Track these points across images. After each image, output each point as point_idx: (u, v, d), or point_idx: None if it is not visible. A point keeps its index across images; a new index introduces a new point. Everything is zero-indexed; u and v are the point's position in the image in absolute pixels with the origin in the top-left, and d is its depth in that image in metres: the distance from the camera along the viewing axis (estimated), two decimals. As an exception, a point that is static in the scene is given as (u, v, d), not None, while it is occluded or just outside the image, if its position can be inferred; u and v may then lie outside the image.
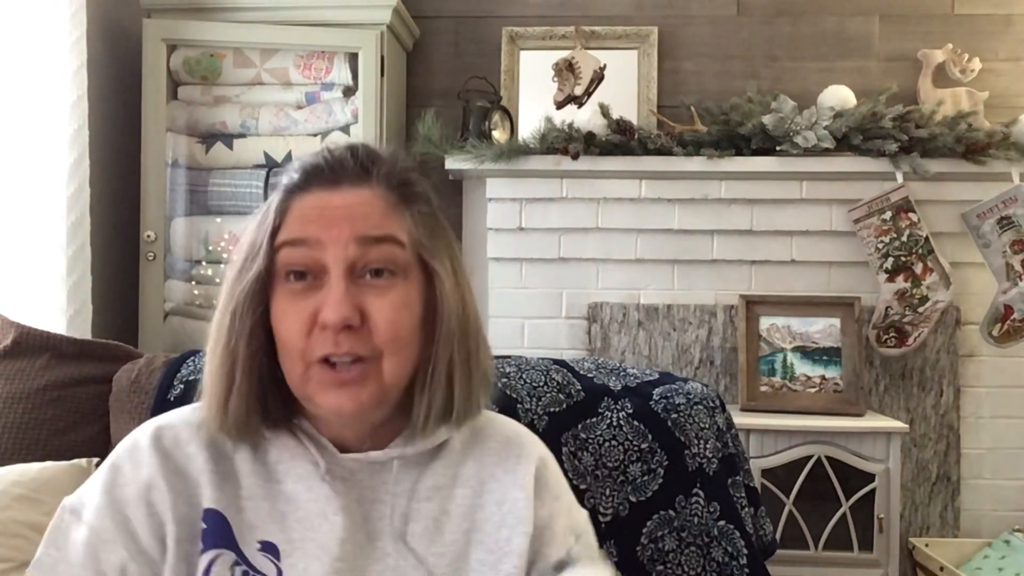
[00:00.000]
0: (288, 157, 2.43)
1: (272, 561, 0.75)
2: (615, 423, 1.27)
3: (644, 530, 1.24)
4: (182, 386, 1.28)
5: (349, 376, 0.73)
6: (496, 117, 2.52)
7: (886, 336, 2.37)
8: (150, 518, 0.75)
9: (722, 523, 1.24)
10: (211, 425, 0.77)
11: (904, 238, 2.35)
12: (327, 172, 0.77)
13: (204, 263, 2.43)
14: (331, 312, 0.72)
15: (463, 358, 0.78)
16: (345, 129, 2.44)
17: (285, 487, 0.78)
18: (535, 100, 2.62)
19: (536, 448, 0.87)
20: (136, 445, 0.79)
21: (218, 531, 0.75)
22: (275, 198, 0.78)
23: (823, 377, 2.33)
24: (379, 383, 0.75)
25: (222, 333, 0.75)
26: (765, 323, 2.38)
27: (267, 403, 0.77)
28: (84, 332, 2.04)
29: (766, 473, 2.13)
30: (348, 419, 0.77)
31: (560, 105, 2.58)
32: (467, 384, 0.79)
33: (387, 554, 0.78)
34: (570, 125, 2.39)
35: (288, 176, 0.79)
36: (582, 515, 0.90)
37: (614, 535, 1.23)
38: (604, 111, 2.43)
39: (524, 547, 0.80)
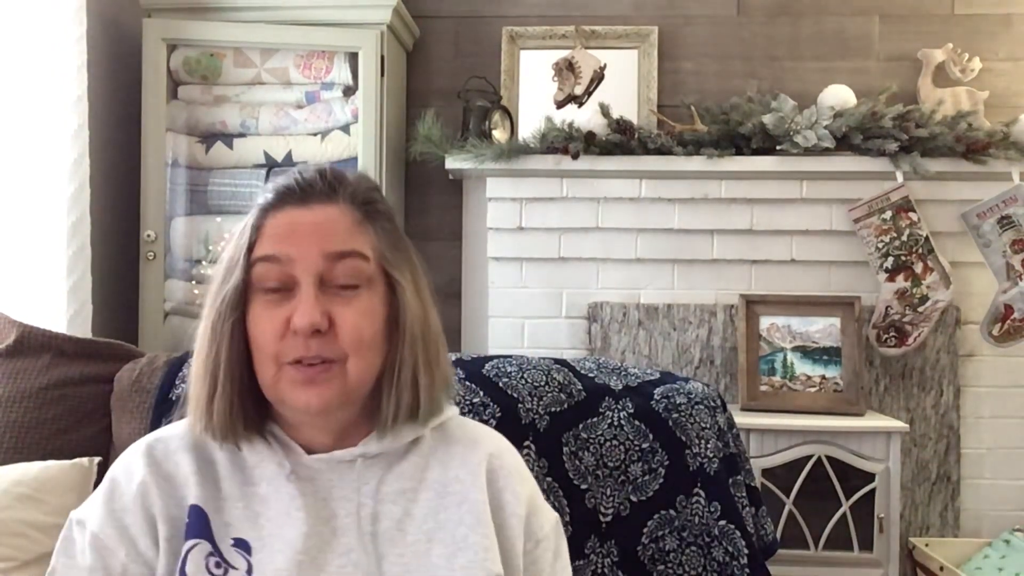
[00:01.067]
0: (288, 157, 2.43)
1: (244, 556, 0.81)
2: (616, 423, 1.27)
3: (645, 530, 1.24)
4: (184, 385, 1.28)
5: (316, 373, 0.80)
6: (496, 117, 2.52)
7: (886, 336, 2.37)
8: (146, 522, 0.82)
9: (723, 523, 1.25)
10: (196, 426, 0.84)
11: (904, 237, 2.35)
12: (297, 192, 0.84)
13: (204, 263, 2.43)
14: (301, 318, 0.79)
15: (426, 361, 0.86)
16: (345, 129, 2.44)
17: (259, 489, 0.84)
18: (535, 100, 2.62)
19: (499, 452, 0.92)
20: (130, 459, 0.86)
21: (198, 524, 0.81)
22: (251, 217, 0.85)
23: (823, 377, 2.34)
24: (344, 382, 0.81)
25: (205, 341, 0.83)
26: (765, 323, 2.38)
27: (246, 407, 0.83)
28: (84, 332, 2.04)
29: (766, 473, 2.13)
30: (316, 417, 0.83)
31: (560, 105, 2.58)
32: (431, 384, 0.86)
33: (351, 549, 0.82)
34: (570, 125, 2.40)
35: (263, 196, 0.86)
36: (549, 521, 0.92)
37: (615, 535, 1.24)
38: (604, 111, 2.43)
39: (483, 545, 0.84)
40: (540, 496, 0.94)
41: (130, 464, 0.86)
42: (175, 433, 0.88)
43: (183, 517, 0.82)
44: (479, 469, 0.88)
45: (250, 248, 0.83)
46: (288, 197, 0.84)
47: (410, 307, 0.85)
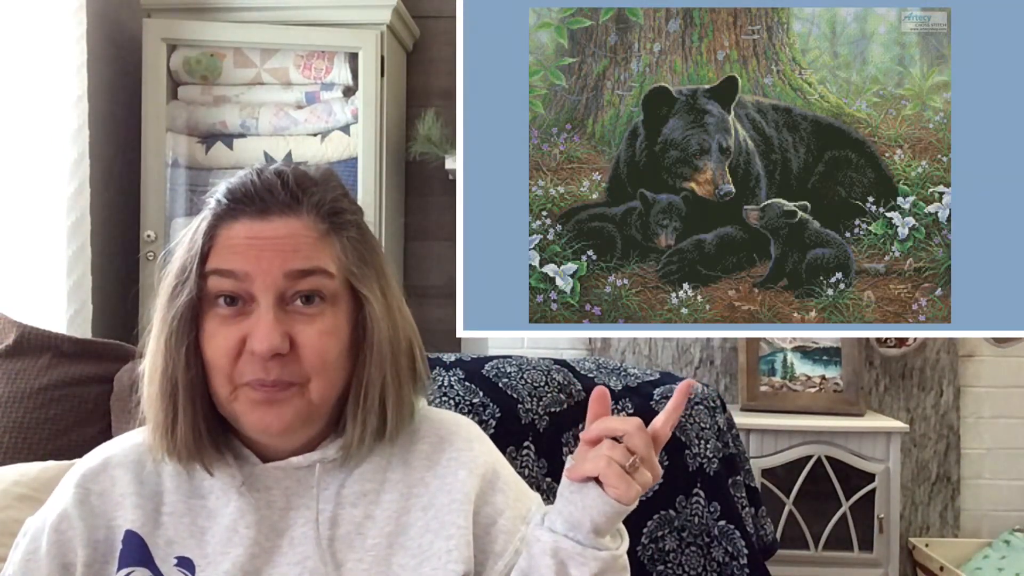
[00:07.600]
0: (288, 157, 2.43)
1: (186, 575, 0.77)
2: (616, 423, 1.26)
3: (644, 530, 1.24)
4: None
5: (276, 393, 0.75)
6: (496, 117, 2.52)
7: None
8: (57, 546, 0.78)
9: (722, 523, 1.25)
10: (157, 452, 0.78)
11: (904, 238, 2.35)
12: (256, 200, 0.76)
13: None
14: (260, 342, 0.73)
15: (395, 379, 0.80)
16: (345, 129, 2.44)
17: (208, 503, 0.80)
18: (535, 100, 2.62)
19: (472, 448, 0.85)
20: (70, 474, 0.82)
21: (134, 551, 0.77)
22: (203, 222, 0.77)
23: (823, 377, 2.34)
24: (306, 402, 0.76)
25: (159, 359, 0.76)
26: (765, 323, 2.38)
27: (210, 426, 0.78)
28: (84, 332, 2.04)
29: (766, 473, 2.13)
30: (275, 438, 0.78)
31: (560, 105, 2.58)
32: (399, 403, 0.80)
33: (307, 557, 0.78)
34: (570, 125, 2.40)
35: (215, 199, 0.78)
36: (533, 500, 0.86)
37: (615, 535, 1.24)
38: (604, 111, 2.43)
39: (448, 550, 0.79)
40: (503, 474, 0.85)
41: (66, 482, 0.82)
42: (123, 447, 0.83)
43: (115, 540, 0.78)
44: (450, 475, 0.82)
45: (203, 258, 0.75)
46: (245, 206, 0.76)
47: (378, 324, 0.78)
